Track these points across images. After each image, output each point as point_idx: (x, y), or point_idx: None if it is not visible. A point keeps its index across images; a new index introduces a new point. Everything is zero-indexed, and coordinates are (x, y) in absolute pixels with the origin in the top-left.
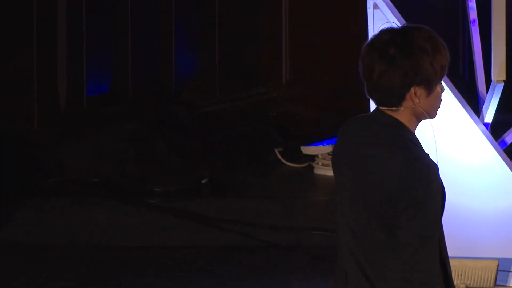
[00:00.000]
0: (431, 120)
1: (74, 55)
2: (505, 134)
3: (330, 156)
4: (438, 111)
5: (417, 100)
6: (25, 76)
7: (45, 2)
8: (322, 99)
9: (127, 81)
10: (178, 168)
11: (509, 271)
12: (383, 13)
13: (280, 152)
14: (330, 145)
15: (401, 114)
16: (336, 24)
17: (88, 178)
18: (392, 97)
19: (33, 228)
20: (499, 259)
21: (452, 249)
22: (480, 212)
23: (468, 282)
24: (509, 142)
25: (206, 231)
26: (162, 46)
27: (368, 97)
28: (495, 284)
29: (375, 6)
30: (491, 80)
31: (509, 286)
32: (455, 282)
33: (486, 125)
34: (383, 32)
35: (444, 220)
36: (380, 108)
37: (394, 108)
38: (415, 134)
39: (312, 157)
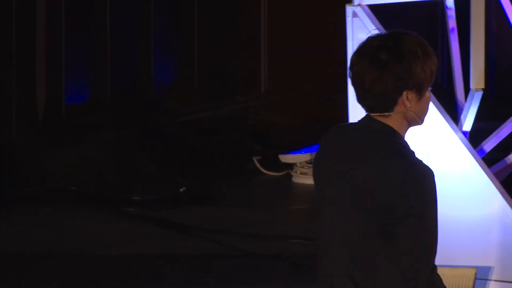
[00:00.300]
0: (420, 126)
1: (52, 64)
2: (483, 143)
3: (309, 165)
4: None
5: (408, 104)
6: (4, 85)
7: (24, 11)
8: (300, 107)
9: (106, 89)
10: (157, 176)
11: (487, 279)
12: (362, 21)
13: (258, 161)
14: (308, 153)
15: (393, 120)
16: (315, 33)
17: (67, 186)
18: (384, 102)
19: (12, 237)
20: (477, 267)
21: None
22: (458, 220)
23: None
24: (487, 150)
25: (185, 239)
26: (141, 54)
27: (359, 104)
28: None
29: (354, 14)
30: (469, 88)
31: None
32: None
33: (464, 133)
34: (371, 39)
35: None
36: (371, 114)
37: (386, 114)
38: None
39: (290, 166)
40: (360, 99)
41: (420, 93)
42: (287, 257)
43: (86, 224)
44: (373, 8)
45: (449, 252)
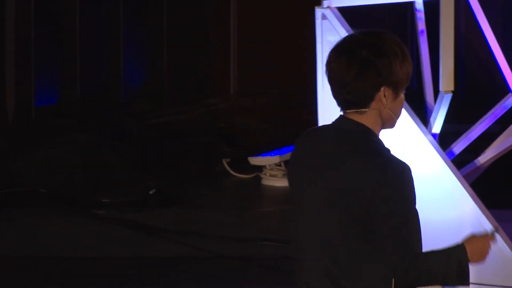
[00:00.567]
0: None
1: (22, 66)
2: (453, 145)
3: (278, 167)
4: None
5: (385, 101)
6: None
7: None
8: (270, 110)
9: (76, 92)
10: (127, 179)
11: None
12: (331, 23)
13: (228, 163)
14: (278, 156)
15: (368, 117)
16: (284, 35)
17: (37, 189)
18: (362, 97)
19: None
20: None
21: None
22: (428, 222)
23: None
24: (457, 152)
25: (155, 241)
26: (110, 57)
27: (334, 99)
28: None
29: (324, 16)
30: (439, 91)
31: None
32: None
33: (434, 135)
34: (350, 36)
35: None
36: (346, 111)
37: (362, 110)
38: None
39: (260, 168)
40: (337, 95)
41: (396, 91)
42: (258, 259)
43: (56, 226)
44: (342, 10)
45: None
